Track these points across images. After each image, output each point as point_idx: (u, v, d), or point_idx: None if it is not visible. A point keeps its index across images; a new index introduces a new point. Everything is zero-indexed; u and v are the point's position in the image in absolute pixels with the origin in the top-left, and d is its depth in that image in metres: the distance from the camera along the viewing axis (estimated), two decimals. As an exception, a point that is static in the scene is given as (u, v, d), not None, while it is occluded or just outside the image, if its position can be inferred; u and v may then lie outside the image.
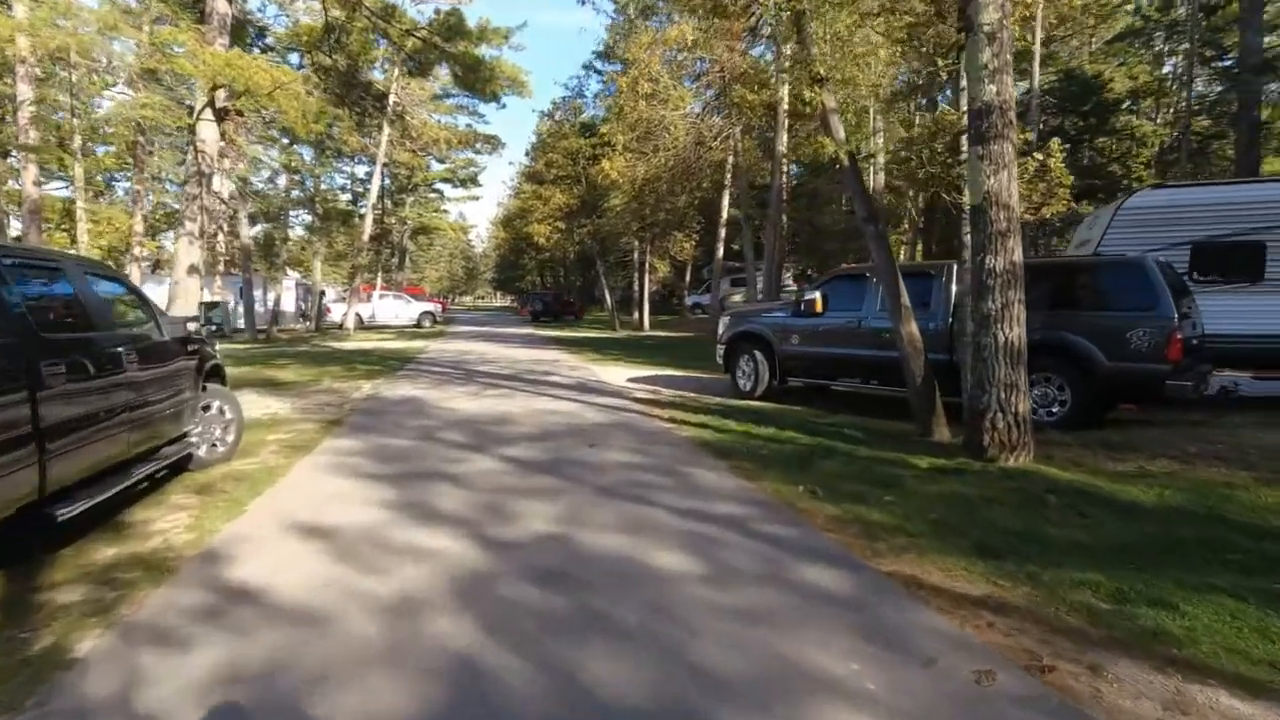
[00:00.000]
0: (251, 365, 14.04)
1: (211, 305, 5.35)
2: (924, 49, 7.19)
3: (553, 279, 52.12)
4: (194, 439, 5.38)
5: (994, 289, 5.78)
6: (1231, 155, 21.20)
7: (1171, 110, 26.38)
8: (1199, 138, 21.59)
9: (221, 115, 11.23)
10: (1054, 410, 7.04)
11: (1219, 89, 22.21)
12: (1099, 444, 6.21)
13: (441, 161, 36.62)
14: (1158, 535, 4.03)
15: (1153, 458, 5.77)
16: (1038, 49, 15.80)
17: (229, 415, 5.89)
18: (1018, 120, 6.49)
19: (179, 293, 11.10)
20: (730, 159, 18.24)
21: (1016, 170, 5.94)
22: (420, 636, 2.86)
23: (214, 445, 5.75)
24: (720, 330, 10.07)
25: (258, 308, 25.46)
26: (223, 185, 13.40)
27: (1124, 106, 22.06)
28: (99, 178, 24.22)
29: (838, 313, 8.62)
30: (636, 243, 28.59)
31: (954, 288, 7.71)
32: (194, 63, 8.68)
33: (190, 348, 5.31)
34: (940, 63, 6.89)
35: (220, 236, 12.81)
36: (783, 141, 15.67)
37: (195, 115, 11.07)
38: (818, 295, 8.58)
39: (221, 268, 13.45)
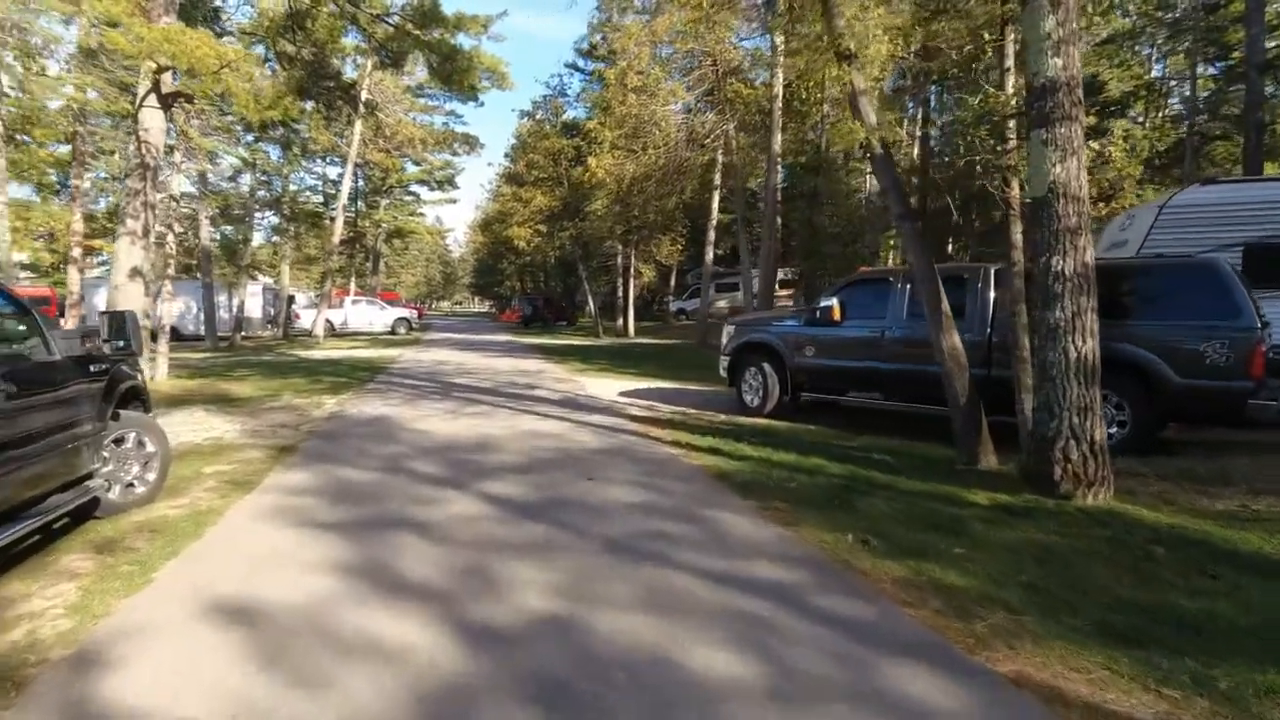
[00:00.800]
0: (206, 377, 12.88)
1: (115, 316, 4.30)
2: (967, 22, 6.37)
3: (533, 284, 50.99)
4: (99, 481, 4.33)
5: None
6: (1230, 158, 20.85)
7: (1160, 114, 26.13)
8: (1201, 138, 21.24)
9: (168, 102, 10.11)
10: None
11: (1216, 90, 21.91)
12: (1180, 474, 5.41)
13: (417, 164, 35.45)
14: (1327, 609, 3.18)
15: (1254, 493, 4.96)
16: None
17: (150, 448, 4.84)
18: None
19: (119, 299, 9.94)
20: (721, 158, 17.41)
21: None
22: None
23: (130, 486, 4.70)
24: (724, 341, 9.17)
25: (221, 314, 24.13)
26: (176, 182, 12.23)
27: (1115, 110, 21.69)
28: (50, 175, 22.75)
29: (858, 322, 7.77)
30: (620, 246, 27.69)
31: (992, 294, 6.89)
32: (128, 37, 7.62)
33: (94, 369, 4.26)
34: (986, 36, 6.06)
35: (171, 237, 11.64)
36: (777, 139, 14.86)
37: (138, 102, 9.94)
38: (835, 302, 7.72)
39: (172, 270, 12.26)
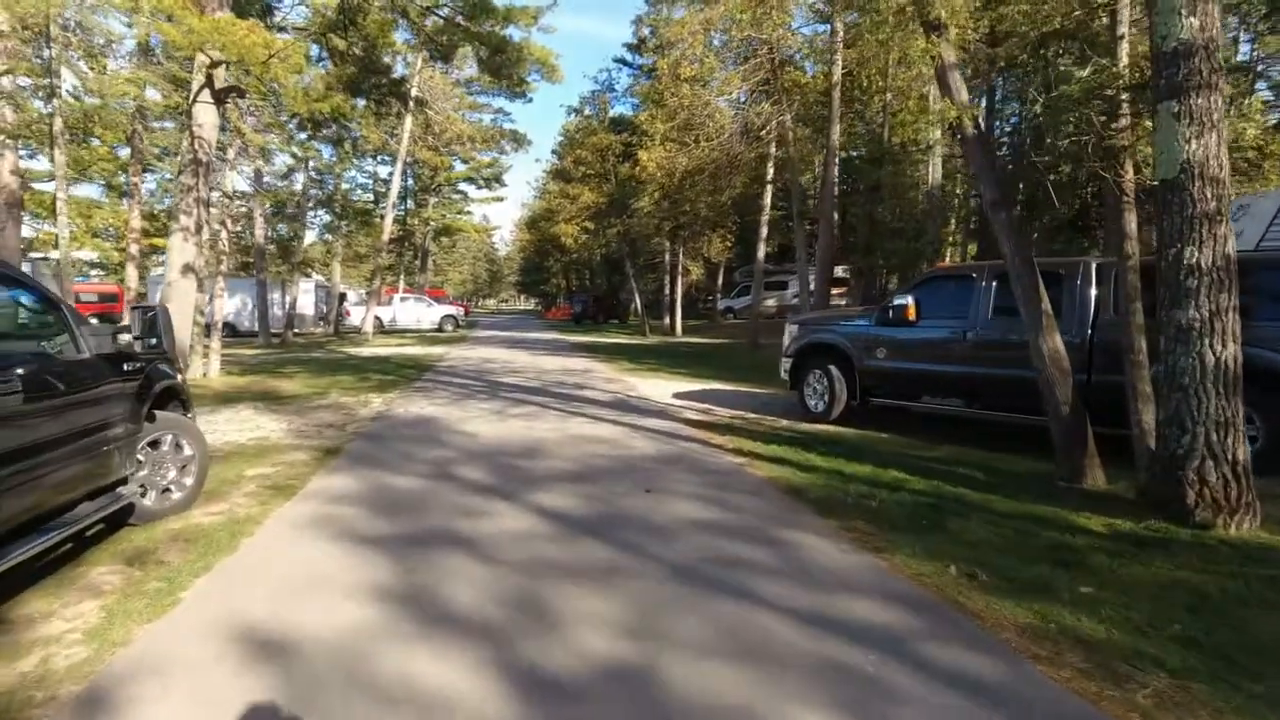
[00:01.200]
0: (257, 374, 12.90)
1: (146, 312, 4.02)
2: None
3: (578, 282, 50.91)
4: (133, 488, 4.07)
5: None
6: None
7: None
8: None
9: (221, 97, 10.05)
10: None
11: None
12: (1332, 500, 4.66)
13: (465, 162, 35.60)
14: None
15: None
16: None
17: (188, 451, 4.58)
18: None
19: (172, 295, 9.93)
20: (774, 151, 16.70)
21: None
22: None
23: (167, 491, 4.45)
24: (786, 341, 8.62)
25: (275, 310, 24.54)
26: (230, 180, 12.26)
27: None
28: (120, 176, 23.49)
29: (936, 321, 7.13)
30: (668, 244, 27.22)
31: (1094, 291, 6.19)
32: (180, 29, 7.52)
33: (127, 367, 4.00)
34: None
35: (224, 234, 11.64)
36: (835, 131, 14.17)
37: (192, 97, 9.90)
38: (910, 300, 7.10)
39: (226, 267, 12.28)
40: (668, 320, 29.38)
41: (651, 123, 15.20)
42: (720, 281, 33.54)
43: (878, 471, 5.70)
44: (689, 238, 24.86)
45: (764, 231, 18.98)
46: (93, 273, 39.20)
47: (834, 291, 34.13)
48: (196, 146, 9.83)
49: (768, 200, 18.06)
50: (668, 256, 28.18)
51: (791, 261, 40.59)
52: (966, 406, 7.07)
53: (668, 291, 29.54)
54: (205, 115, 9.96)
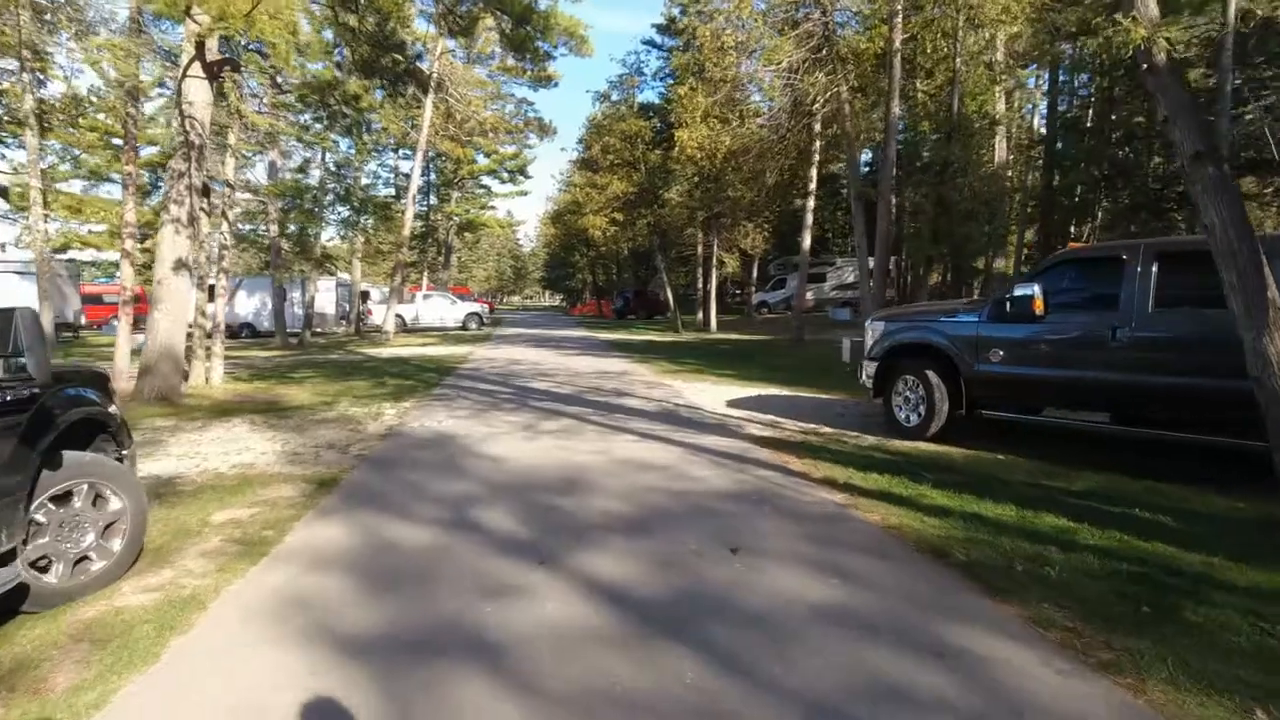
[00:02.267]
0: (266, 379, 11.84)
1: (1, 316, 2.80)
2: None
3: (604, 277, 49.70)
4: (19, 566, 2.87)
5: None
6: None
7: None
8: None
9: (213, 71, 8.93)
10: None
11: None
12: None
13: (488, 155, 34.53)
14: None
15: None
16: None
17: (114, 505, 3.38)
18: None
19: (164, 294, 8.86)
20: (818, 129, 15.14)
21: None
22: None
23: (84, 561, 3.26)
24: (869, 341, 7.25)
25: (295, 309, 23.68)
26: (229, 167, 11.18)
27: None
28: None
29: (1071, 315, 5.73)
30: (700, 235, 25.81)
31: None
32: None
33: (7, 397, 2.80)
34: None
35: (226, 227, 10.58)
36: (895, 103, 12.69)
37: (181, 72, 8.80)
38: (1036, 290, 5.67)
39: (228, 263, 11.24)
40: (700, 316, 28.00)
41: (691, 98, 13.80)
42: (755, 274, 32.04)
43: (1025, 515, 4.33)
44: (725, 228, 23.45)
45: (809, 219, 17.51)
46: (117, 273, 39.09)
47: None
48: (188, 127, 8.73)
49: (813, 183, 16.59)
50: (700, 249, 26.76)
51: (828, 253, 38.91)
52: (1111, 422, 5.63)
53: (700, 285, 28.12)
54: (197, 92, 8.85)
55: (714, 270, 25.88)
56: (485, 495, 4.86)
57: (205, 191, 10.94)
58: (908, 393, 6.75)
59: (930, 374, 6.46)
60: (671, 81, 23.41)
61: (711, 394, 9.91)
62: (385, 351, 18.52)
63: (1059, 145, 20.25)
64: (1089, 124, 18.46)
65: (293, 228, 19.96)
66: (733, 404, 8.98)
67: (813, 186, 16.98)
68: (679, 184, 26.56)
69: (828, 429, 7.30)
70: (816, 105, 12.21)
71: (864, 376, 7.24)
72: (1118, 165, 17.15)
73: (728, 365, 14.08)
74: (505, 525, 4.23)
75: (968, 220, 13.24)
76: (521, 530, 4.14)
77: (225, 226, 10.92)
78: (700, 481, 5.20)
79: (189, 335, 10.92)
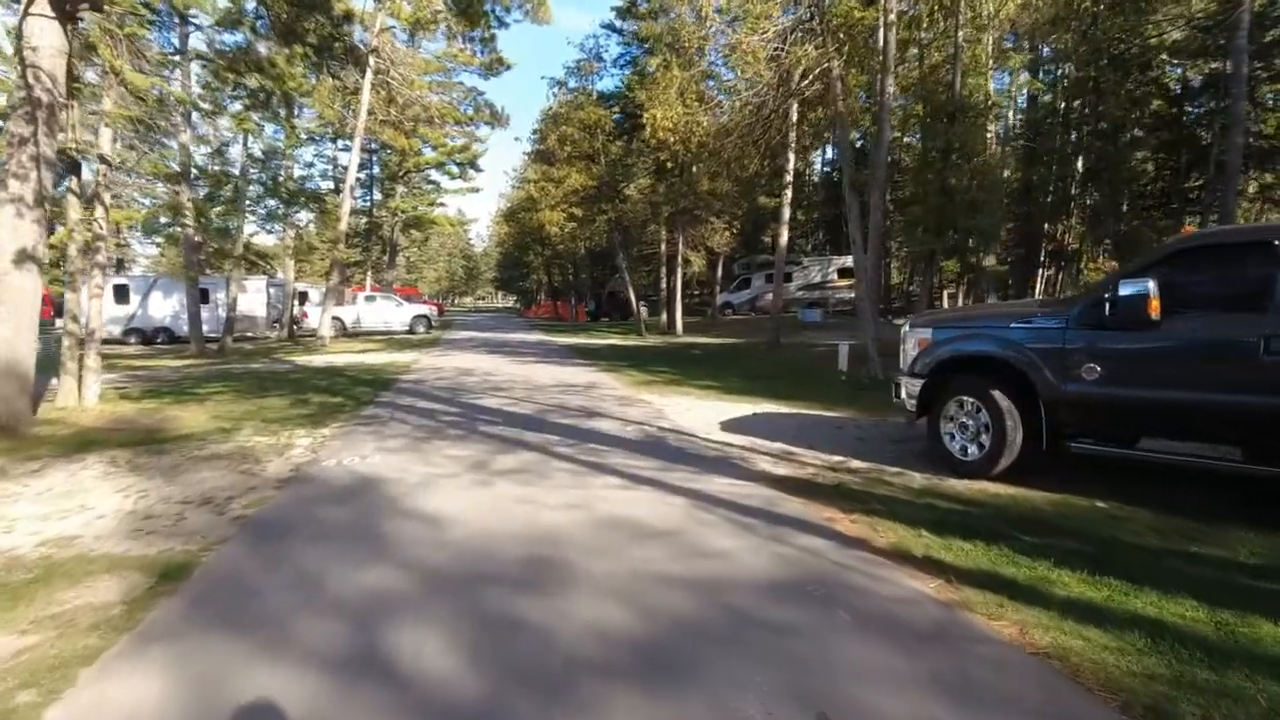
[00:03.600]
0: (161, 397, 9.83)
1: None
2: None
3: (560, 277, 47.81)
4: None
5: None
6: None
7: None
8: None
9: (67, 9, 6.98)
10: None
11: None
12: None
13: (435, 148, 32.31)
14: None
15: None
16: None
17: None
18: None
19: (2, 293, 6.85)
20: (792, 116, 13.72)
21: None
22: None
23: None
24: (908, 351, 5.84)
25: (221, 312, 21.25)
26: (106, 138, 9.16)
27: None
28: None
29: (1200, 319, 4.38)
30: (665, 232, 24.30)
31: None
32: None
33: None
34: None
35: (101, 212, 8.60)
36: (889, 82, 11.41)
37: (22, 9, 6.83)
38: (1150, 287, 4.30)
39: (104, 256, 9.23)
40: (664, 318, 26.53)
41: (665, 74, 12.22)
42: (719, 274, 30.73)
43: (1224, 620, 2.93)
44: (691, 224, 22.01)
45: (785, 213, 16.17)
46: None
47: (842, 283, 31.63)
48: (31, 79, 6.78)
49: (791, 171, 15.20)
50: (664, 246, 25.27)
51: (793, 252, 37.92)
52: (1244, 460, 4.30)
53: (664, 286, 26.63)
54: (42, 35, 6.89)
55: (679, 269, 24.41)
56: (413, 598, 3.21)
57: (74, 169, 8.91)
58: (964, 418, 5.34)
59: (998, 395, 5.05)
60: (637, 55, 21.82)
61: (698, 412, 8.38)
62: (318, 359, 16.46)
63: (1036, 138, 19.46)
64: (1073, 115, 17.69)
65: (204, 216, 17.63)
66: (727, 426, 7.47)
67: (789, 178, 15.63)
68: (642, 177, 25.03)
69: (857, 462, 5.85)
70: (805, 82, 10.83)
71: (902, 396, 5.82)
72: (1105, 159, 16.33)
73: (705, 374, 12.60)
74: (439, 668, 2.59)
75: (973, 210, 12.05)
76: (466, 680, 2.51)
77: (102, 212, 8.88)
78: (727, 560, 3.65)
79: (60, 344, 8.91)
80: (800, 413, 8.43)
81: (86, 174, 9.75)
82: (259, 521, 4.35)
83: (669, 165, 14.59)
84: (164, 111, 9.51)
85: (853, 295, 31.99)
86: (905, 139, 19.56)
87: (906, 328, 6.01)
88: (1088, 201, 18.25)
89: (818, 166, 39.30)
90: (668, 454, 6.12)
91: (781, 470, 5.56)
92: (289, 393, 10.43)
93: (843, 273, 30.73)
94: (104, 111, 8.77)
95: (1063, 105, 18.31)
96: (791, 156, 15.82)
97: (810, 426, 7.50)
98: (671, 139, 12.81)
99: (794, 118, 13.45)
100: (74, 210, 8.91)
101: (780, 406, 8.89)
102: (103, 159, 8.82)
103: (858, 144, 36.27)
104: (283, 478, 5.44)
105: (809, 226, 40.86)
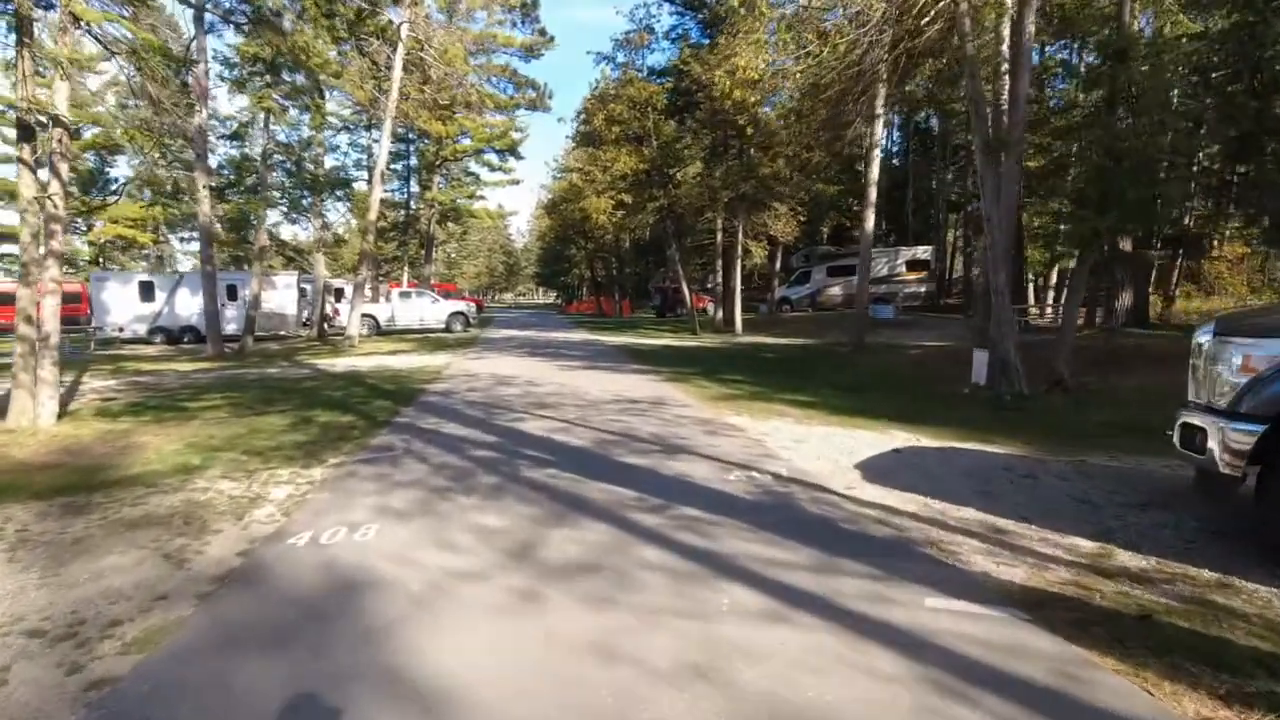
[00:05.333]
0: (138, 414, 8.12)
1: None
2: None
3: (605, 272, 45.85)
4: None
5: None
6: None
7: None
8: None
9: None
10: None
11: None
12: None
13: (472, 137, 30.62)
14: None
15: None
16: None
17: None
18: None
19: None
20: (882, 78, 11.17)
21: None
22: None
23: None
24: (1219, 375, 3.60)
25: (232, 311, 19.84)
26: (62, 92, 7.39)
27: None
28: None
29: None
30: (720, 221, 22.03)
31: None
32: None
33: None
34: None
35: (57, 185, 6.84)
36: (1029, 20, 9.02)
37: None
38: None
39: (58, 243, 7.49)
40: (720, 314, 24.27)
41: (746, 18, 9.82)
42: (778, 266, 28.29)
43: None
44: (754, 209, 19.73)
45: (873, 194, 13.78)
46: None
47: (910, 276, 28.84)
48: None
49: (877, 137, 12.78)
50: (719, 237, 23.01)
51: (853, 243, 35.13)
52: None
53: (720, 279, 24.38)
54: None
55: (738, 261, 22.12)
56: None
57: (27, 134, 7.18)
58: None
59: None
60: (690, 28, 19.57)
61: (814, 446, 6.22)
62: (342, 362, 14.76)
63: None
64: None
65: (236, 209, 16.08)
66: (868, 471, 5.29)
67: (877, 139, 13.14)
68: (696, 161, 22.78)
69: (1123, 553, 3.62)
70: (925, 21, 8.51)
71: (1210, 447, 3.56)
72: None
73: (791, 385, 10.39)
74: None
75: (1149, 175, 9.29)
76: None
77: (58, 187, 7.13)
78: None
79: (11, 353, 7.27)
80: (951, 446, 6.21)
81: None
82: (119, 700, 2.37)
83: (731, 143, 12.50)
84: (135, 57, 7.66)
85: (923, 290, 29.45)
86: (1044, 90, 16.75)
87: (1206, 339, 3.73)
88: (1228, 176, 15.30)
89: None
90: (810, 531, 3.99)
91: (1016, 574, 3.38)
92: (294, 408, 8.63)
93: (911, 265, 28.06)
94: (51, 54, 6.98)
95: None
96: (879, 125, 13.46)
97: (983, 471, 5.29)
98: (750, 98, 10.59)
99: (883, 73, 11.05)
100: (26, 187, 7.19)
101: (916, 435, 6.66)
102: (57, 121, 7.05)
103: (922, 122, 33.33)
104: (219, 574, 3.49)
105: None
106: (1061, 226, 14.11)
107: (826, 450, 6.04)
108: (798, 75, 9.79)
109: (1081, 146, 10.04)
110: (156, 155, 13.93)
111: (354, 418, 7.94)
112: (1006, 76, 9.72)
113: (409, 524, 4.20)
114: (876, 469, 5.38)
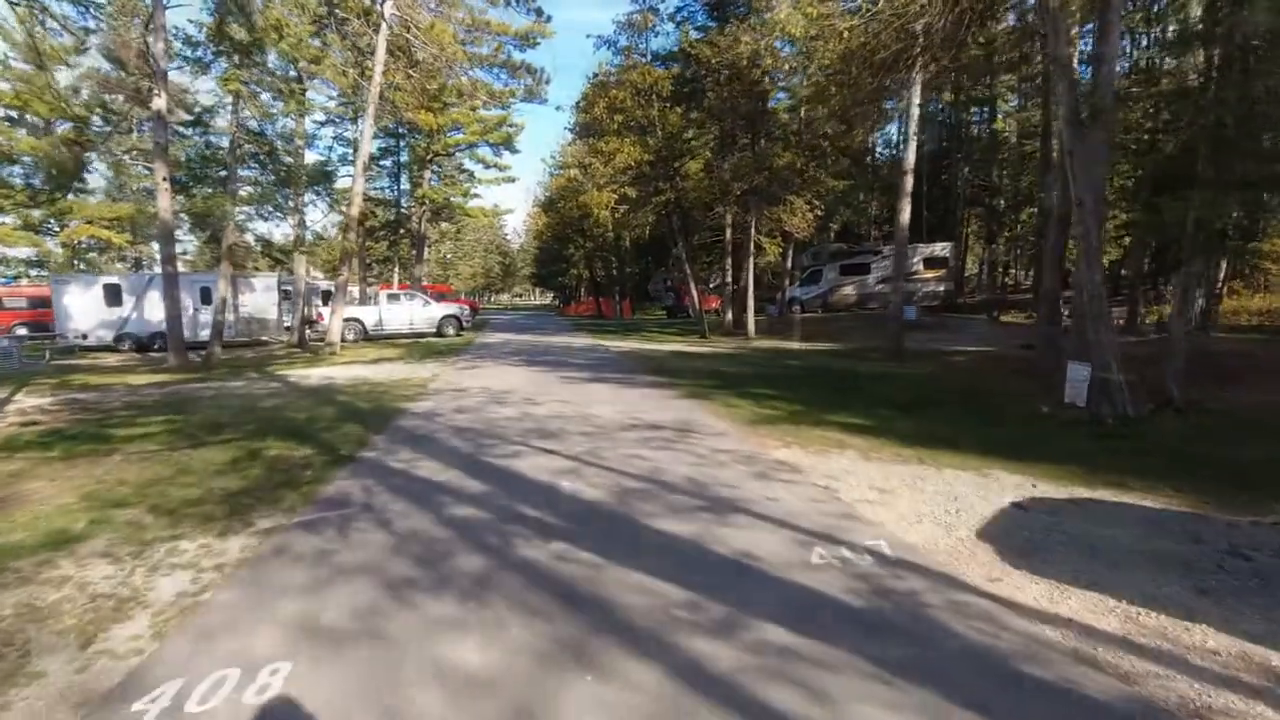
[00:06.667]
0: (53, 446, 6.60)
1: None
2: None
3: (604, 272, 44.26)
4: None
5: None
6: None
7: None
8: None
9: None
10: None
11: None
12: None
13: (464, 129, 29.05)
14: None
15: None
16: None
17: None
18: None
19: None
20: (919, 46, 9.63)
21: None
22: None
23: None
24: None
25: (230, 315, 18.27)
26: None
27: None
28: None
29: None
30: (729, 216, 20.52)
31: None
32: None
33: None
34: None
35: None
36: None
37: None
38: None
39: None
40: (729, 317, 22.75)
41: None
42: (790, 264, 26.75)
43: None
44: (769, 203, 18.23)
45: (909, 182, 12.30)
46: (31, 272, 33.27)
47: (928, 274, 27.34)
48: None
49: (914, 107, 11.28)
50: (728, 233, 21.50)
51: (868, 240, 33.65)
52: None
53: (729, 279, 22.84)
54: None
55: (750, 259, 20.59)
56: None
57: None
58: None
59: None
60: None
61: (905, 501, 4.70)
62: (317, 374, 13.20)
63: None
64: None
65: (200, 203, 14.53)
66: (1007, 549, 3.78)
67: (914, 110, 11.62)
68: (702, 155, 21.25)
69: None
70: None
71: None
72: None
73: (835, 402, 8.86)
74: None
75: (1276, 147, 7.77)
76: None
77: None
78: None
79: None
80: (1085, 497, 4.70)
81: None
82: None
83: (746, 132, 11.02)
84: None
85: (941, 289, 27.91)
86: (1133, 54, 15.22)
87: None
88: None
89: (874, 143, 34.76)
90: (975, 678, 2.48)
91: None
92: (244, 435, 7.11)
93: (929, 263, 26.52)
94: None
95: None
96: (915, 103, 11.97)
97: (1165, 546, 3.79)
98: (785, 67, 9.10)
99: (938, 37, 9.54)
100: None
101: (1028, 478, 5.16)
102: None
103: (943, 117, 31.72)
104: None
105: (879, 216, 36.38)
106: (1138, 216, 12.51)
107: (925, 506, 4.53)
108: (845, 33, 8.27)
109: (1197, 111, 8.43)
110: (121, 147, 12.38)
111: (311, 451, 6.42)
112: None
113: (341, 662, 2.69)
114: (1011, 540, 3.87)
